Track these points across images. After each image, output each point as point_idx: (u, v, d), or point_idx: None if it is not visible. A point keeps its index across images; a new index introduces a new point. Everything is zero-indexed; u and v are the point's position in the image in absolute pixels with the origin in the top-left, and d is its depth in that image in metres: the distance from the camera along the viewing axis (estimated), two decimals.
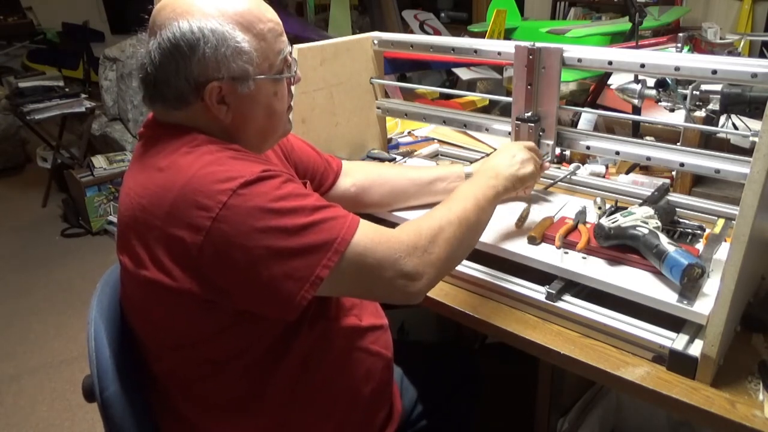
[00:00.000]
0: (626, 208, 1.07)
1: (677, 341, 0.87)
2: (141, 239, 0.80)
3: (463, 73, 3.03)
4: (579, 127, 1.77)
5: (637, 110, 1.62)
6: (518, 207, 1.20)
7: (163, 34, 0.81)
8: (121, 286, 0.92)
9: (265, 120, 0.90)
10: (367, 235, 0.81)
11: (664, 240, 0.96)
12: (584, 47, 1.25)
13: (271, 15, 0.88)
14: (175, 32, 0.80)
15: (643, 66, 1.15)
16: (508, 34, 3.52)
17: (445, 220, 0.90)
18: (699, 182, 1.43)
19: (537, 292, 1.02)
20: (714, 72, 1.06)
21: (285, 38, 0.90)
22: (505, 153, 1.09)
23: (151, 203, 0.78)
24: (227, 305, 0.80)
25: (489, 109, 2.65)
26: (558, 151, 1.34)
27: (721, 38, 2.86)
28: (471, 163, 1.27)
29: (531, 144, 1.16)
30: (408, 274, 0.83)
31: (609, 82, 2.11)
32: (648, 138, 1.62)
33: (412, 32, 4.06)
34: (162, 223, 0.77)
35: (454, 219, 0.91)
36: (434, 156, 1.70)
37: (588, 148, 1.30)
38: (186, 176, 0.77)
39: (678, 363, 0.86)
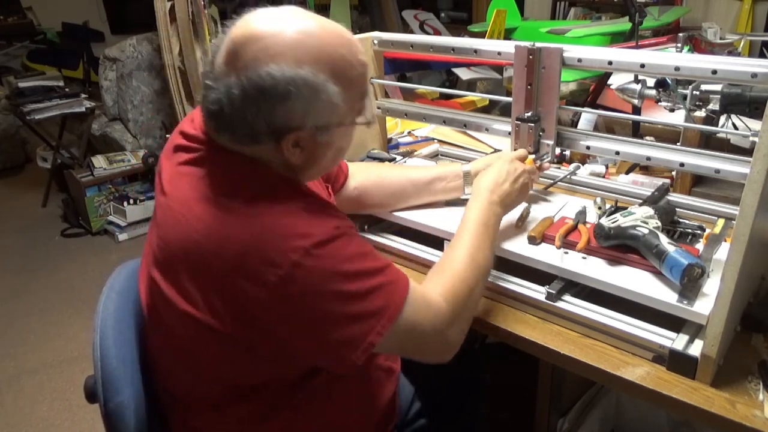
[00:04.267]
0: (626, 208, 1.07)
1: (677, 341, 0.87)
2: (193, 278, 0.77)
3: (463, 73, 3.03)
4: (579, 127, 1.77)
5: (637, 110, 1.62)
6: (518, 207, 1.20)
7: (250, 74, 0.74)
8: (148, 297, 0.88)
9: (331, 159, 0.88)
10: (416, 301, 0.82)
11: (664, 240, 0.96)
12: (584, 47, 1.25)
13: (362, 57, 0.83)
14: (264, 77, 0.74)
15: (643, 66, 1.15)
16: (508, 34, 3.52)
17: (473, 276, 0.92)
18: (699, 182, 1.43)
19: (537, 292, 1.02)
20: (714, 72, 1.06)
21: (369, 76, 0.88)
22: (498, 172, 1.09)
23: (212, 246, 0.75)
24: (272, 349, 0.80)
25: (489, 109, 2.65)
26: (558, 151, 1.34)
27: (721, 38, 2.85)
28: (470, 162, 1.27)
29: (516, 154, 1.18)
30: (449, 343, 0.88)
31: (609, 82, 2.11)
32: (648, 138, 1.62)
33: (412, 32, 4.06)
34: (223, 271, 0.74)
35: (482, 270, 0.95)
36: (434, 156, 1.70)
37: (588, 148, 1.30)
38: (255, 228, 0.74)
39: (678, 363, 0.86)
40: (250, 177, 0.80)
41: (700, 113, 1.36)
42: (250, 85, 0.74)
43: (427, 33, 4.18)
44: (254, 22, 0.77)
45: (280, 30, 0.76)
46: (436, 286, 0.88)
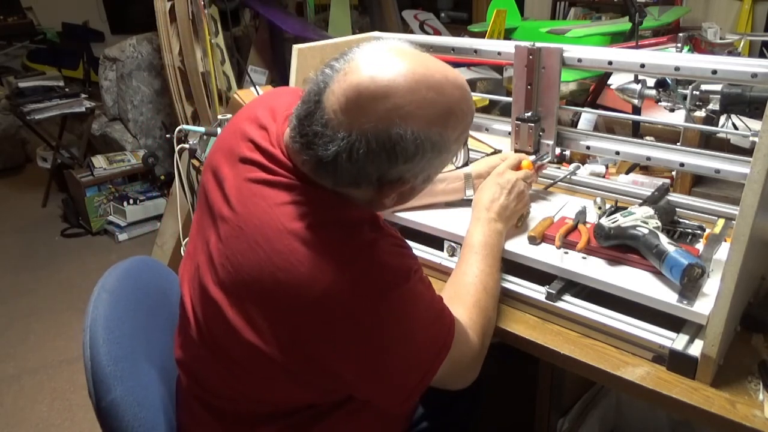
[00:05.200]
0: (626, 208, 1.07)
1: (677, 341, 0.87)
2: (264, 311, 0.76)
3: (463, 73, 3.04)
4: (579, 127, 1.77)
5: (637, 110, 1.62)
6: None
7: (378, 134, 0.71)
8: (201, 311, 0.85)
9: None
10: (458, 340, 0.83)
11: (664, 240, 0.96)
12: (584, 47, 1.25)
13: (473, 105, 0.81)
14: (394, 138, 0.71)
15: (643, 66, 1.15)
16: (508, 34, 3.51)
17: (489, 305, 0.95)
18: (699, 182, 1.43)
19: (537, 292, 1.02)
20: (714, 72, 1.06)
21: None
22: (491, 188, 1.10)
23: (293, 285, 0.73)
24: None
25: (489, 109, 2.65)
26: (558, 151, 1.34)
27: (721, 38, 2.85)
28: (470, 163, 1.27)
29: (507, 163, 1.17)
30: (476, 372, 0.91)
31: (609, 82, 2.11)
32: (648, 138, 1.62)
33: (412, 32, 4.06)
34: (300, 312, 0.74)
35: (495, 296, 0.98)
36: None
37: (588, 148, 1.31)
38: (338, 273, 0.73)
39: (678, 363, 0.86)
40: (335, 215, 0.78)
41: (700, 113, 1.36)
42: (377, 145, 0.71)
43: (427, 33, 4.17)
44: (377, 71, 0.72)
45: (410, 86, 0.72)
46: (462, 317, 0.89)
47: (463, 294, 0.94)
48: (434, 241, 1.18)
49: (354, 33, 3.36)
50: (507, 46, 1.29)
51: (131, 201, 3.29)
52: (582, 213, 1.15)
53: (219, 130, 1.76)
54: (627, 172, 1.57)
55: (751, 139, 1.32)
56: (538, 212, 1.21)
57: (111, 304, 0.94)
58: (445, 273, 1.12)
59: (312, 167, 0.77)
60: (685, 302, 0.90)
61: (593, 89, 2.21)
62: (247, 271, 0.76)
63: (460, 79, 0.78)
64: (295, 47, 1.44)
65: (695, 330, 0.90)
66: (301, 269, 0.73)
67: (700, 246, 1.04)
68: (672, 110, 1.42)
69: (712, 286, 0.90)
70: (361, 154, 0.72)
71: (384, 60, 0.74)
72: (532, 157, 1.25)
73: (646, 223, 1.00)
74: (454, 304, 0.90)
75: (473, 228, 1.05)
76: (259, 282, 0.75)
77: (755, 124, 1.35)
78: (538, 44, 1.24)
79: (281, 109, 0.88)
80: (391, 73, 0.72)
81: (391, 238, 0.81)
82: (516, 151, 1.32)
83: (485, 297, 0.94)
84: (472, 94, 0.82)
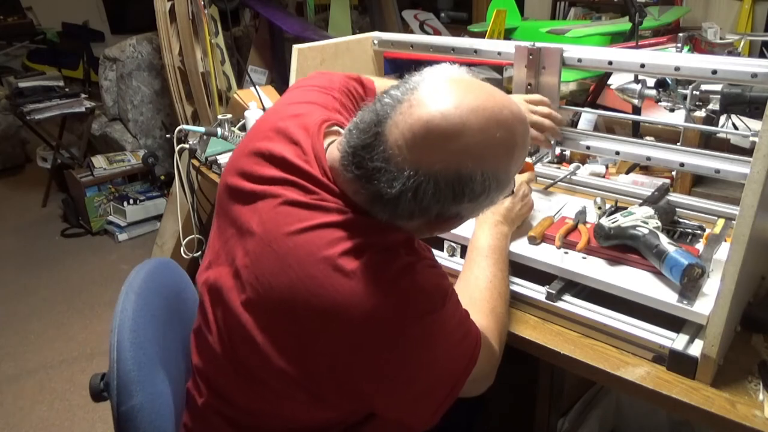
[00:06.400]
0: (626, 208, 1.07)
1: (677, 341, 0.87)
2: (296, 336, 0.74)
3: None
4: (579, 127, 1.77)
5: (637, 110, 1.62)
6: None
7: (448, 174, 0.69)
8: (223, 327, 0.84)
9: None
10: (483, 353, 0.82)
11: (664, 240, 0.96)
12: (584, 47, 1.25)
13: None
14: (464, 179, 0.69)
15: (643, 66, 1.15)
16: (508, 34, 3.51)
17: (502, 310, 0.94)
18: (699, 182, 1.43)
19: (537, 292, 1.02)
20: (714, 72, 1.06)
21: None
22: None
23: (325, 311, 0.72)
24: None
25: None
26: (558, 151, 1.34)
27: (721, 38, 2.85)
28: None
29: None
30: (489, 384, 0.88)
31: (609, 82, 2.10)
32: (648, 138, 1.62)
33: (412, 32, 4.06)
34: (331, 339, 0.73)
35: (506, 300, 0.96)
36: None
37: (588, 148, 1.31)
38: (371, 300, 0.71)
39: (678, 363, 0.86)
40: (373, 241, 0.75)
41: (700, 113, 1.36)
42: (446, 185, 0.70)
43: (427, 33, 4.17)
44: (446, 106, 0.69)
45: (481, 125, 0.69)
46: (481, 326, 0.88)
47: (478, 301, 0.92)
48: (433, 241, 1.18)
49: (354, 33, 3.36)
50: (507, 46, 1.29)
51: (131, 201, 3.29)
52: (582, 213, 1.15)
53: (219, 130, 1.76)
54: (627, 172, 1.57)
55: (751, 139, 1.32)
56: (538, 212, 1.21)
57: (138, 307, 0.91)
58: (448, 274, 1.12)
59: (368, 199, 0.75)
60: (685, 302, 0.90)
61: (593, 89, 2.20)
62: (277, 294, 0.75)
63: (521, 111, 0.76)
64: (295, 47, 1.44)
65: (695, 330, 0.90)
66: (335, 296, 0.71)
67: (700, 246, 1.04)
68: (672, 110, 1.42)
69: (712, 286, 0.90)
70: (429, 194, 0.70)
71: (450, 93, 0.70)
72: (529, 160, 1.25)
73: (646, 223, 1.00)
74: (471, 312, 0.88)
75: (480, 231, 1.04)
76: (289, 304, 0.74)
77: (755, 124, 1.35)
78: (538, 44, 1.24)
79: (312, 122, 0.86)
80: (461, 109, 0.69)
81: (426, 260, 0.80)
82: None
83: (500, 303, 0.94)
84: None
